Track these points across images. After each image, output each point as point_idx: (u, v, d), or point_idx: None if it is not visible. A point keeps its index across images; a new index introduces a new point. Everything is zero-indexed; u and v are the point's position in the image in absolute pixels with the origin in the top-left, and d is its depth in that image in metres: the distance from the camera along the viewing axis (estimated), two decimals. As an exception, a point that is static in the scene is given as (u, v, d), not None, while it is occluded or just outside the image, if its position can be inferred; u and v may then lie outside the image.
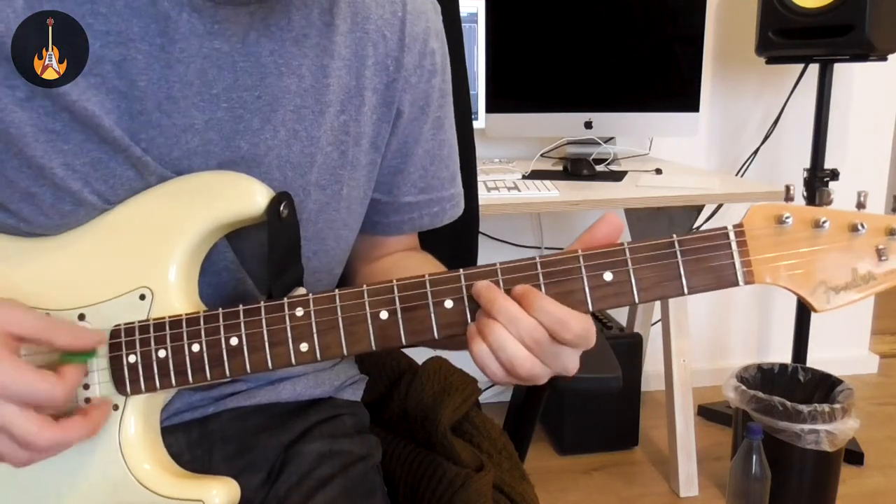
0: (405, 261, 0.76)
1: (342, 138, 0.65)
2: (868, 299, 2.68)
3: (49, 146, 0.55)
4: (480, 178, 1.64)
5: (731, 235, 0.53)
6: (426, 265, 0.75)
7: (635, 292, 0.53)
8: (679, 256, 0.53)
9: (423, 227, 0.75)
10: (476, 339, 0.52)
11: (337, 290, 0.56)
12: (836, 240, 0.53)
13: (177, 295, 0.59)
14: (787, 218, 0.53)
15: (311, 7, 0.62)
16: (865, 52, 1.75)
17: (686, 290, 0.53)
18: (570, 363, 0.54)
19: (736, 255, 0.53)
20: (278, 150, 0.61)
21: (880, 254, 0.53)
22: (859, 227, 0.53)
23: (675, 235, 0.54)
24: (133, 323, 0.58)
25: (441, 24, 0.72)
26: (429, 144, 0.71)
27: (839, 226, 0.53)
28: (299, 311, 0.56)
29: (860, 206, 0.55)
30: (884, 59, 1.82)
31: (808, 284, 0.53)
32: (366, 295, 0.56)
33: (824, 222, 0.53)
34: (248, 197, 0.58)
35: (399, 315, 0.55)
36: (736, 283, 0.53)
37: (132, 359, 0.57)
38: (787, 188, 0.57)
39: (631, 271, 0.53)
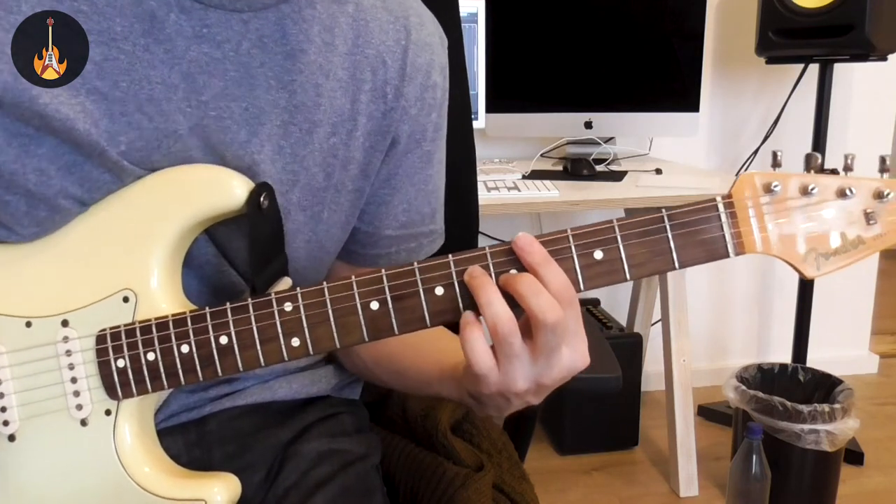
0: None
1: (329, 160, 0.63)
2: (868, 300, 2.64)
3: (21, 150, 0.53)
4: (480, 178, 1.63)
5: (721, 207, 0.53)
6: None
7: (626, 269, 0.53)
8: (669, 231, 0.53)
9: (400, 263, 0.73)
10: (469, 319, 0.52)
11: (325, 283, 0.55)
12: (824, 205, 0.53)
13: (161, 294, 0.58)
14: (775, 186, 0.53)
15: (311, 23, 0.60)
16: (865, 52, 1.75)
17: (677, 265, 0.53)
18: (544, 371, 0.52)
19: (726, 225, 0.53)
20: (263, 165, 0.60)
21: (868, 218, 0.52)
22: (848, 191, 0.52)
23: (664, 210, 0.53)
24: (119, 327, 0.57)
25: (446, 59, 0.70)
26: (417, 178, 0.70)
27: (828, 191, 0.53)
28: (288, 306, 0.56)
29: (847, 168, 0.54)
30: (884, 59, 1.82)
31: (799, 252, 0.53)
32: (355, 286, 0.55)
33: (813, 188, 0.53)
34: (228, 190, 0.57)
35: (390, 305, 0.55)
36: (727, 255, 0.53)
37: (121, 363, 0.57)
38: (775, 154, 0.57)
39: (621, 248, 0.53)
